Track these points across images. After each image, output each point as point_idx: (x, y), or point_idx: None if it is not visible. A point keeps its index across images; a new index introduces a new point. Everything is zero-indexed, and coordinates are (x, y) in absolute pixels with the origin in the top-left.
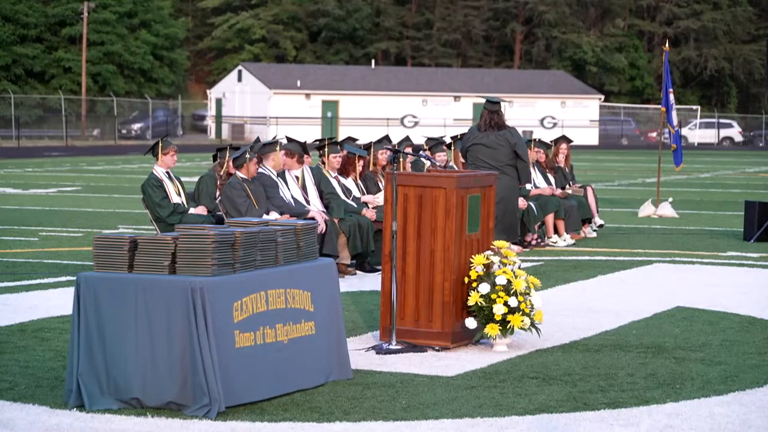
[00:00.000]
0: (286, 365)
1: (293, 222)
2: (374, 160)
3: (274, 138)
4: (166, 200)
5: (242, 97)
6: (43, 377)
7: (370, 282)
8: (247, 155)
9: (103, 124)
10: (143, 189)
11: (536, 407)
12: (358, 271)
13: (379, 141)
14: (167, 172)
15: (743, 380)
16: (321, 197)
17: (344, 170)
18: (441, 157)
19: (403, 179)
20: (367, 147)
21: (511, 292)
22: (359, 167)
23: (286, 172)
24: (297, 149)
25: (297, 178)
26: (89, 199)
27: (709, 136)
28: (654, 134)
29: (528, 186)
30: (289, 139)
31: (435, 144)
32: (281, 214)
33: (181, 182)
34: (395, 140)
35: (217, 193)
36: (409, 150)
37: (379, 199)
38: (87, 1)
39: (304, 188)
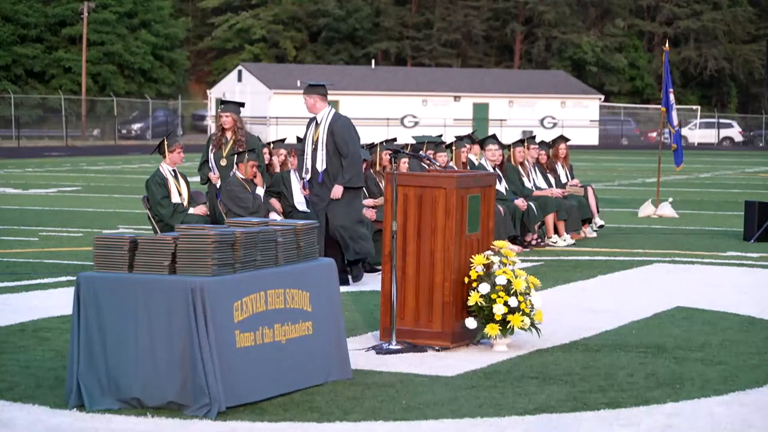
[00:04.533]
0: (285, 365)
1: (293, 222)
2: (380, 161)
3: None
4: (167, 200)
5: (242, 97)
6: (43, 377)
7: (370, 282)
8: (246, 156)
9: (103, 124)
10: (147, 185)
11: (536, 407)
12: None
13: (386, 142)
14: (173, 170)
15: (743, 380)
16: None
17: None
18: (442, 157)
19: (403, 179)
20: (369, 147)
21: (511, 292)
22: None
23: (292, 172)
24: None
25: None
26: (89, 199)
27: (709, 136)
28: (654, 134)
29: (529, 186)
30: (300, 140)
31: (437, 144)
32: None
33: (186, 181)
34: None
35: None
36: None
37: (380, 202)
38: (87, 1)
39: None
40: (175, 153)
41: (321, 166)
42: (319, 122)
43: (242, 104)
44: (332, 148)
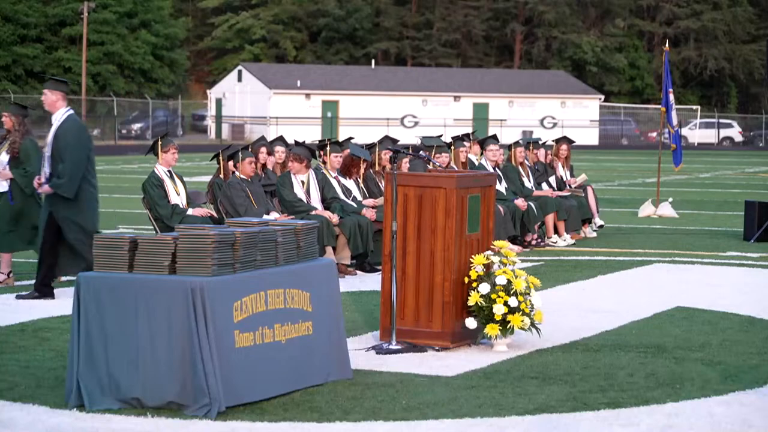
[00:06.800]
0: (285, 365)
1: (293, 222)
2: (379, 161)
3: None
4: (165, 201)
5: (242, 97)
6: (43, 377)
7: (370, 282)
8: (240, 154)
9: (103, 124)
10: (144, 188)
11: (536, 407)
12: (358, 271)
13: (381, 141)
14: (168, 171)
15: (743, 380)
16: (322, 199)
17: (347, 171)
18: (443, 158)
19: (403, 179)
20: (369, 147)
21: (511, 292)
22: (362, 170)
23: (291, 174)
24: (306, 154)
25: (303, 182)
26: None
27: (709, 136)
28: (654, 134)
29: (529, 186)
30: (298, 143)
31: (439, 145)
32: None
33: (183, 181)
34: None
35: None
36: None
37: (380, 202)
38: (87, 1)
39: (308, 191)
40: (168, 153)
41: (48, 170)
42: (53, 124)
43: (25, 107)
44: (57, 153)
